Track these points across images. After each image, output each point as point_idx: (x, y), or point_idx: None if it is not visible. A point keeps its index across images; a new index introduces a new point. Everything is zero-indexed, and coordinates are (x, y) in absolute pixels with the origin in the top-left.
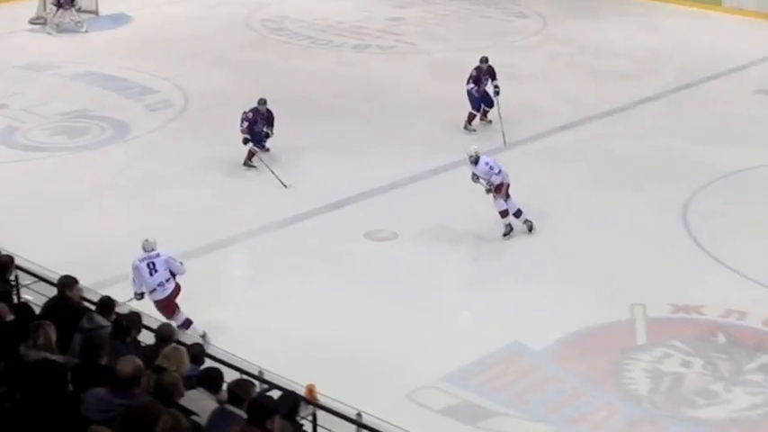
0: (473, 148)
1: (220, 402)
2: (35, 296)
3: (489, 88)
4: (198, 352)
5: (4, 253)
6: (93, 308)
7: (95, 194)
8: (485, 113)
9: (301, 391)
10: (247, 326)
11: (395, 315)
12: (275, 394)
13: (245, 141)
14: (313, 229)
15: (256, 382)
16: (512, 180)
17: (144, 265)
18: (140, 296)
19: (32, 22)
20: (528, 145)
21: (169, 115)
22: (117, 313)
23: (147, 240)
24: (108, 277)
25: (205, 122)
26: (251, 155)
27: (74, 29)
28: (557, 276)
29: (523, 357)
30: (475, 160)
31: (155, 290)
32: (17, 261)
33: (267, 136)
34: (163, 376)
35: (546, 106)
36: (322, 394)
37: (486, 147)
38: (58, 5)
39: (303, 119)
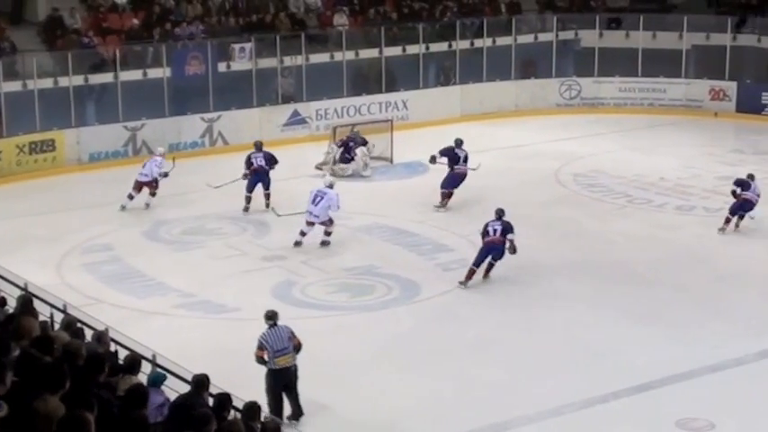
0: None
1: None
2: None
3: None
4: None
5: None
6: None
7: (374, 363)
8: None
9: None
10: None
11: None
12: None
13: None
14: (617, 414)
15: None
16: None
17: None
18: None
19: (319, 167)
20: None
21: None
22: None
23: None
24: None
25: (503, 287)
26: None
27: (358, 173)
28: None
29: None
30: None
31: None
32: None
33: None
34: None
35: None
36: None
37: None
38: (344, 160)
39: (616, 286)
